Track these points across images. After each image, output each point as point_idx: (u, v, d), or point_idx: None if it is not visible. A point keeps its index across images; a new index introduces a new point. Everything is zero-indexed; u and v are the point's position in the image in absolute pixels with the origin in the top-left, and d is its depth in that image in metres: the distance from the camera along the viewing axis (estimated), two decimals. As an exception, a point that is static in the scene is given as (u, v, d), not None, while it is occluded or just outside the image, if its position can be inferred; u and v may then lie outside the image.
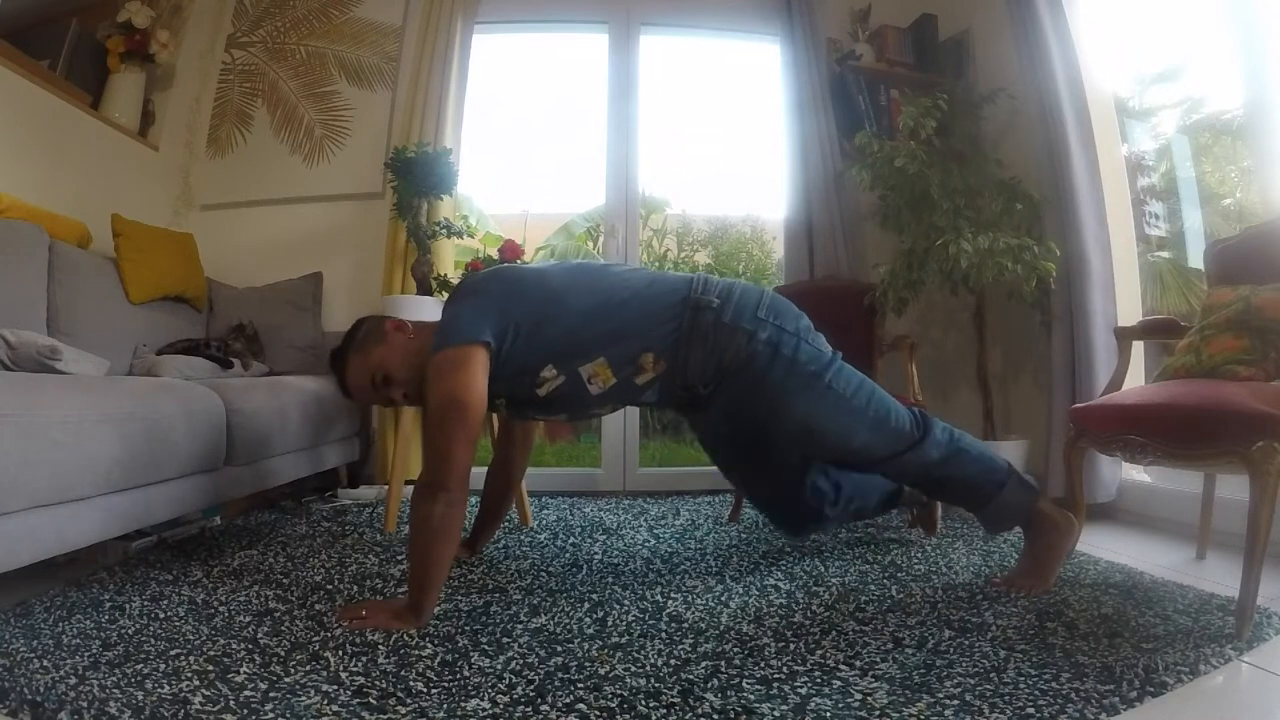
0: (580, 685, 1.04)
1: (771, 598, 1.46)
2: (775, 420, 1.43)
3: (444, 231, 2.66)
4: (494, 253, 2.64)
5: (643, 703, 0.98)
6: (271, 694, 0.99)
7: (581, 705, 0.97)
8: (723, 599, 1.45)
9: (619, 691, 1.02)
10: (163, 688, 1.00)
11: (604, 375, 1.41)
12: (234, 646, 1.16)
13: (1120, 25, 2.71)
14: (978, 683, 1.04)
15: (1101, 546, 1.91)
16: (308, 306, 2.81)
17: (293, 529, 2.06)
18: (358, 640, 1.19)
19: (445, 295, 2.56)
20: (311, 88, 3.13)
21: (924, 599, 1.45)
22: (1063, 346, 2.37)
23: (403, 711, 0.95)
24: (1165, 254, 4.27)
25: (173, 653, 1.13)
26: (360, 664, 1.10)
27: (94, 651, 1.13)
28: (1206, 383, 1.46)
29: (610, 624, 1.30)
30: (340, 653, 1.14)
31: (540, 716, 0.95)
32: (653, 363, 1.41)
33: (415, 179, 2.54)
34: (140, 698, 0.97)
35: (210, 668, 1.08)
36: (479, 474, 1.65)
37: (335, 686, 1.02)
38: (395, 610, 1.29)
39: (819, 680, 1.06)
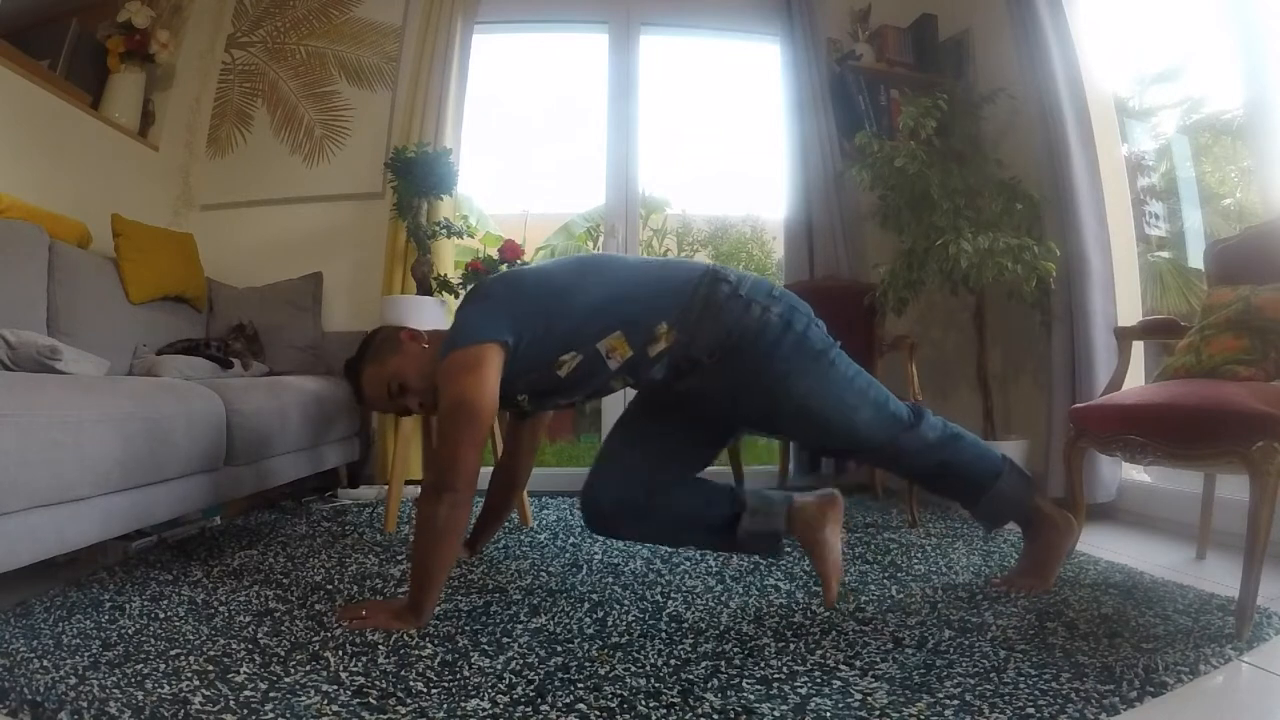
0: (580, 685, 1.04)
1: (771, 598, 1.46)
2: (778, 395, 1.42)
3: (444, 231, 2.65)
4: (494, 253, 2.64)
5: (643, 703, 0.98)
6: (271, 694, 0.99)
7: (581, 705, 0.97)
8: (723, 599, 1.45)
9: (619, 691, 1.02)
10: (163, 688, 1.00)
11: (621, 348, 1.40)
12: (234, 646, 1.16)
13: (1120, 25, 2.71)
14: (978, 683, 1.04)
15: (1101, 546, 1.91)
16: (308, 306, 2.81)
17: (293, 529, 2.06)
18: (358, 640, 1.19)
19: (445, 295, 2.56)
20: (311, 88, 3.13)
21: (924, 599, 1.45)
22: (1063, 346, 2.37)
23: (403, 711, 0.95)
24: (1165, 254, 4.27)
25: (173, 653, 1.13)
26: (360, 664, 1.10)
27: (94, 651, 1.13)
28: (1206, 383, 1.46)
29: (610, 624, 1.30)
30: (340, 653, 1.14)
31: (540, 716, 0.95)
32: (666, 332, 1.40)
33: (415, 179, 2.53)
34: (140, 698, 0.97)
35: (210, 668, 1.08)
36: (483, 473, 1.65)
37: (335, 686, 1.02)
38: (395, 610, 1.29)
39: (819, 680, 1.06)
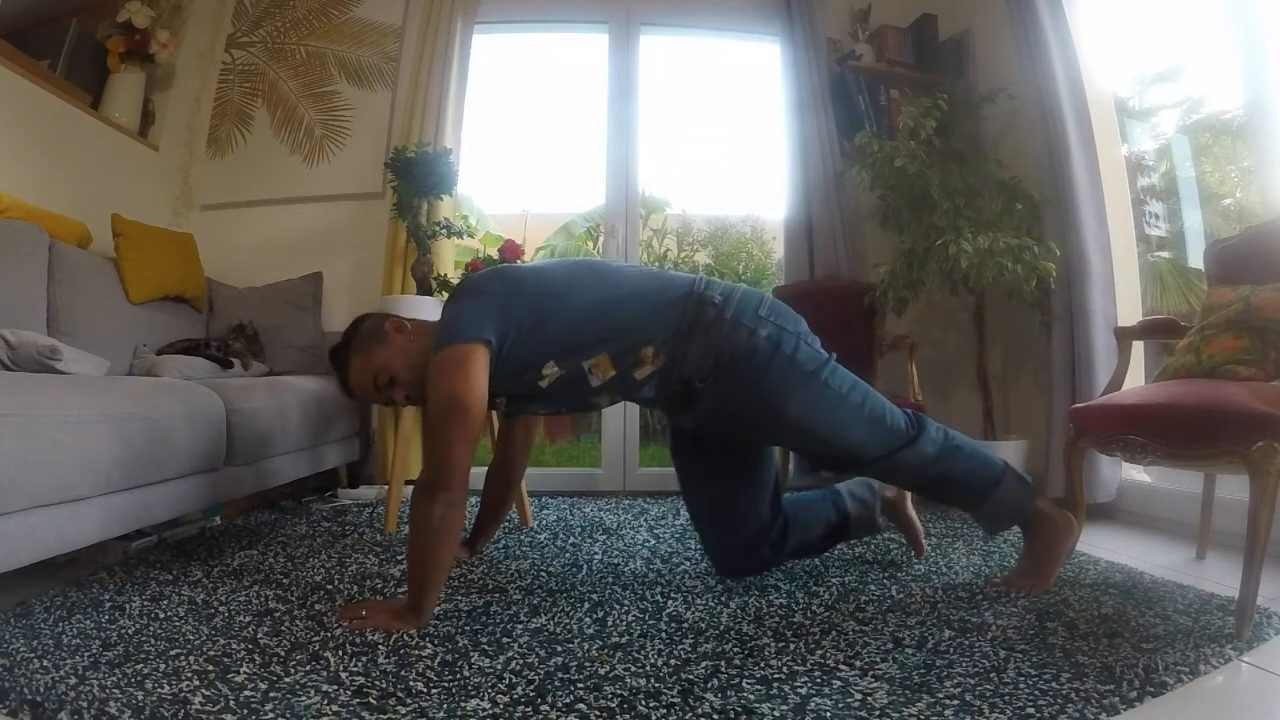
0: (580, 685, 1.04)
1: (771, 598, 1.46)
2: (771, 416, 1.43)
3: (444, 231, 2.66)
4: (494, 253, 2.64)
5: (643, 703, 0.98)
6: (271, 694, 0.99)
7: (581, 705, 0.97)
8: (723, 599, 1.45)
9: (619, 691, 1.02)
10: (163, 688, 1.00)
11: (604, 367, 1.41)
12: (234, 646, 1.16)
13: (1120, 25, 2.71)
14: (978, 683, 1.04)
15: (1101, 546, 1.91)
16: (308, 306, 2.81)
17: (293, 529, 2.06)
18: (358, 640, 1.19)
19: (445, 295, 2.56)
20: (311, 88, 3.13)
21: (924, 599, 1.45)
22: (1063, 346, 2.37)
23: (403, 711, 0.95)
24: (1165, 254, 4.27)
25: (173, 653, 1.13)
26: (360, 664, 1.10)
27: (94, 651, 1.13)
28: (1206, 383, 1.46)
29: (610, 624, 1.30)
30: (340, 653, 1.14)
31: (540, 716, 0.95)
32: (652, 356, 1.40)
33: (415, 179, 2.53)
34: (140, 698, 0.97)
35: (210, 668, 1.08)
36: (479, 474, 1.65)
37: (335, 686, 1.02)
38: (395, 610, 1.29)
39: (819, 680, 1.06)
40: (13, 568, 1.20)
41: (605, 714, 0.95)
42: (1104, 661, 1.11)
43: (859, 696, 1.00)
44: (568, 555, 1.82)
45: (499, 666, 1.10)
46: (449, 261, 2.90)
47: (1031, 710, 0.95)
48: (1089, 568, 1.68)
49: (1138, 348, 2.20)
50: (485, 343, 1.35)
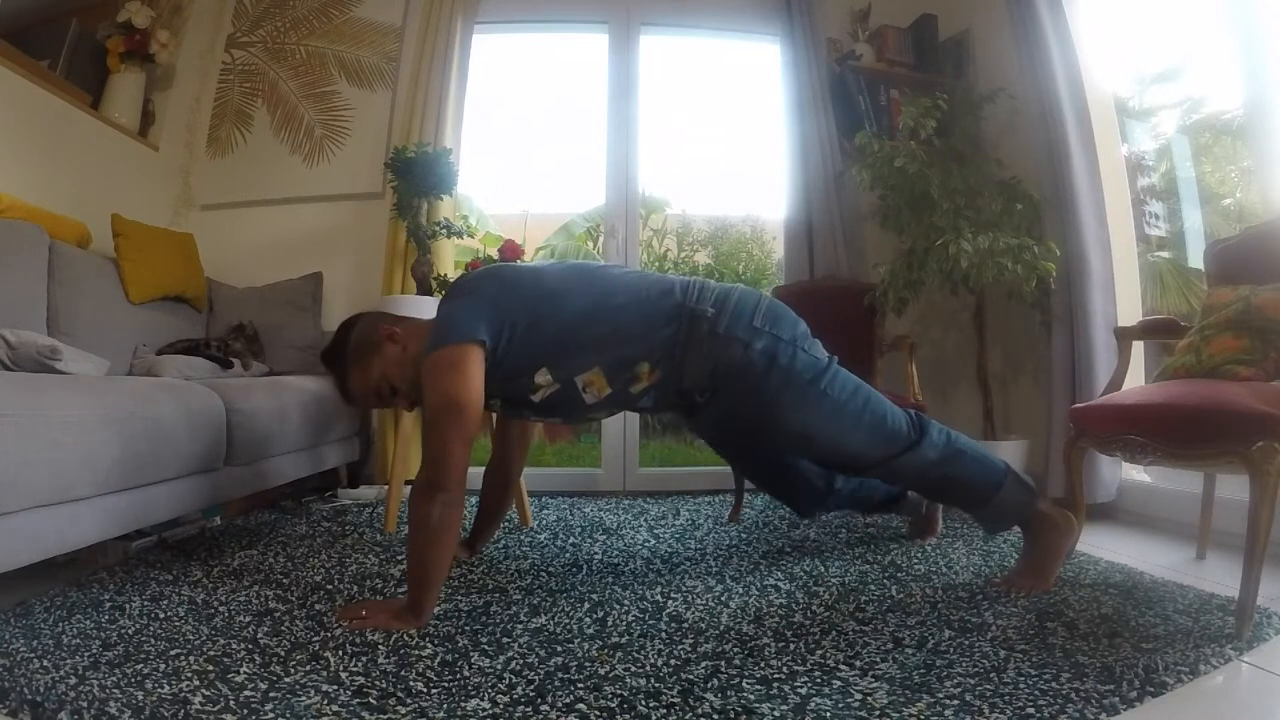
0: (580, 685, 1.04)
1: (771, 598, 1.46)
2: (772, 426, 1.44)
3: (444, 231, 2.66)
4: (494, 253, 2.64)
5: (643, 703, 0.98)
6: (271, 694, 0.99)
7: (581, 705, 0.97)
8: (723, 599, 1.45)
9: (619, 691, 1.02)
10: (163, 688, 1.00)
11: (599, 384, 1.41)
12: (234, 646, 1.16)
13: (1120, 25, 2.71)
14: (978, 683, 1.04)
15: (1101, 546, 1.91)
16: (308, 306, 2.81)
17: (293, 529, 2.06)
18: (358, 640, 1.19)
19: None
20: (311, 88, 3.13)
21: (924, 599, 1.45)
22: (1063, 346, 2.37)
23: (403, 711, 0.95)
24: (1165, 254, 4.27)
25: (173, 653, 1.13)
26: (360, 664, 1.10)
27: (94, 651, 1.13)
28: (1206, 383, 1.46)
29: (610, 624, 1.30)
30: (340, 653, 1.14)
31: (540, 716, 0.95)
32: (648, 373, 1.41)
33: (415, 179, 2.54)
34: (140, 698, 0.97)
35: (210, 668, 1.08)
36: (476, 473, 1.65)
37: (335, 686, 1.02)
38: (395, 610, 1.29)
39: (819, 680, 1.06)
40: (13, 568, 1.20)
41: (605, 714, 0.95)
42: (1104, 661, 1.11)
43: (859, 696, 1.00)
44: (568, 555, 1.82)
45: (499, 666, 1.10)
46: (449, 261, 2.90)
47: (1031, 710, 0.95)
48: (1089, 568, 1.68)
49: (1138, 348, 2.20)
50: (480, 343, 1.35)
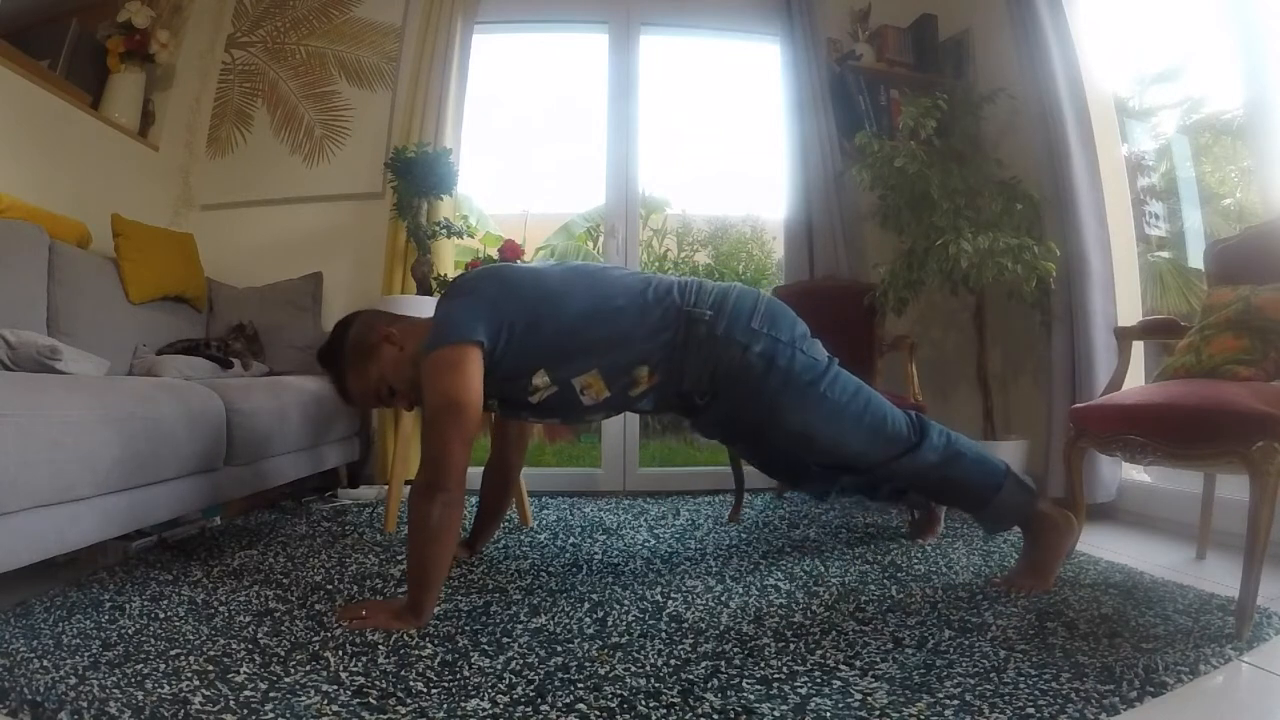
0: (580, 685, 1.04)
1: (771, 598, 1.46)
2: (772, 428, 1.44)
3: (444, 231, 2.66)
4: (494, 253, 2.64)
5: (643, 703, 0.98)
6: (271, 694, 0.99)
7: (581, 705, 0.97)
8: (723, 599, 1.45)
9: (619, 691, 1.02)
10: (163, 688, 1.00)
11: (597, 387, 1.40)
12: (234, 646, 1.16)
13: (1120, 25, 2.71)
14: (978, 683, 1.04)
15: (1101, 546, 1.91)
16: (308, 306, 2.81)
17: (293, 529, 2.06)
18: (358, 640, 1.19)
19: (445, 295, 2.56)
20: (311, 88, 3.13)
21: (924, 599, 1.45)
22: (1063, 346, 2.37)
23: (403, 711, 0.95)
24: (1165, 254, 4.27)
25: (173, 653, 1.13)
26: (360, 664, 1.10)
27: (94, 651, 1.13)
28: (1206, 383, 1.46)
29: (610, 624, 1.30)
30: (340, 653, 1.14)
31: (540, 716, 0.95)
32: (647, 376, 1.41)
33: (415, 179, 2.54)
34: (140, 698, 0.97)
35: (210, 668, 1.08)
36: (475, 473, 1.65)
37: (335, 686, 1.02)
38: (395, 610, 1.29)
39: (819, 680, 1.06)
40: (13, 568, 1.20)
41: (605, 714, 0.95)
42: (1104, 661, 1.11)
43: (859, 696, 1.00)
44: (568, 555, 1.82)
45: (499, 666, 1.10)
46: (449, 261, 2.90)
47: (1031, 710, 0.96)
48: (1089, 568, 1.68)
49: (1138, 348, 2.20)
50: (478, 343, 1.35)
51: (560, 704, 0.98)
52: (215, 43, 3.14)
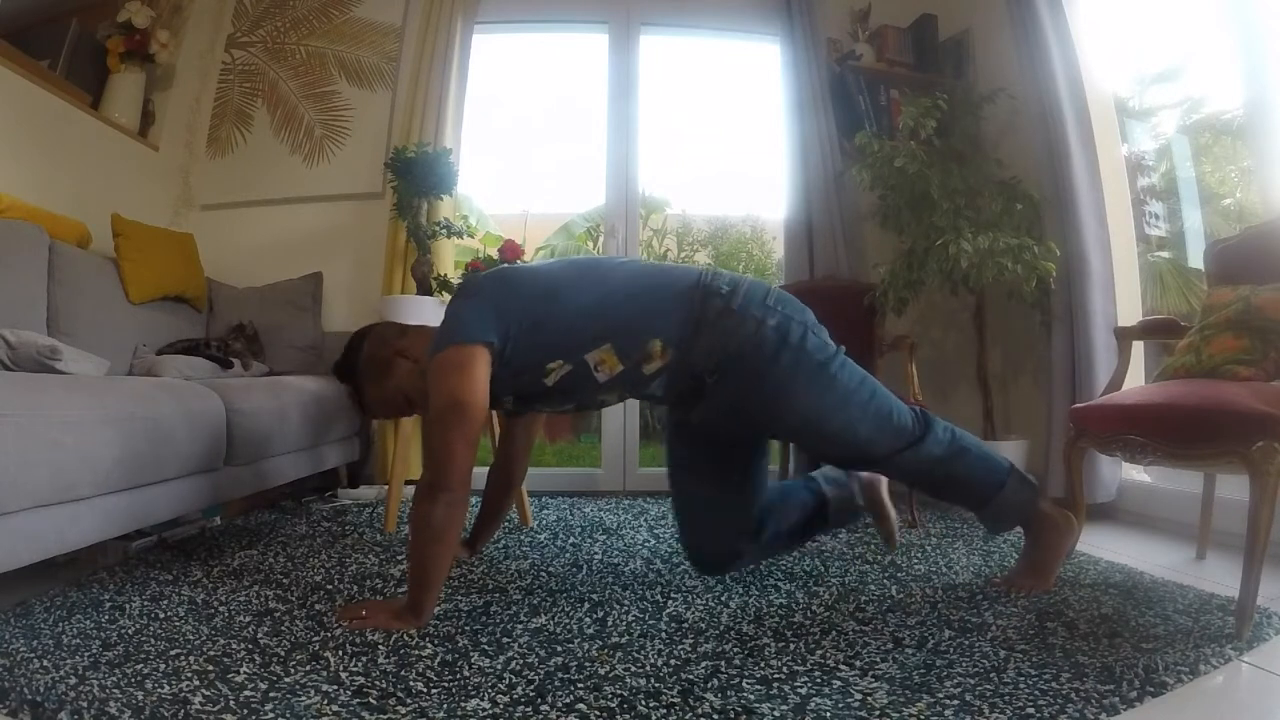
0: (580, 685, 1.04)
1: (771, 598, 1.46)
2: (779, 409, 1.42)
3: (444, 231, 2.66)
4: (494, 253, 2.64)
5: (643, 703, 0.98)
6: (271, 694, 0.99)
7: (581, 705, 0.97)
8: (723, 599, 1.45)
9: (619, 691, 1.02)
10: (163, 688, 1.00)
11: (610, 362, 1.40)
12: (234, 646, 1.16)
13: (1120, 25, 2.71)
14: (978, 683, 1.04)
15: (1101, 546, 1.91)
16: (308, 306, 2.81)
17: (293, 529, 2.06)
18: (358, 640, 1.19)
19: (446, 295, 2.56)
20: (311, 88, 3.13)
21: (924, 599, 1.45)
22: (1063, 346, 2.37)
23: (403, 711, 0.95)
24: (1165, 254, 4.27)
25: (173, 653, 1.13)
26: (360, 664, 1.10)
27: (94, 651, 1.13)
28: (1206, 383, 1.46)
29: (610, 624, 1.30)
30: (340, 653, 1.14)
31: (540, 716, 0.95)
32: (660, 350, 1.39)
33: (415, 179, 2.53)
34: (140, 698, 0.97)
35: (210, 668, 1.08)
36: (479, 474, 1.65)
37: (335, 686, 1.02)
38: (395, 610, 1.29)
39: (819, 680, 1.06)
40: (13, 568, 1.20)
41: (605, 714, 0.95)
42: (1104, 661, 1.11)
43: (859, 696, 1.00)
44: (568, 555, 1.82)
45: (499, 666, 1.10)
46: (449, 261, 2.90)
47: (1031, 710, 0.95)
48: (1089, 568, 1.68)
49: (1138, 348, 2.20)
50: (485, 344, 1.35)
51: (560, 704, 0.98)
52: (215, 43, 3.14)
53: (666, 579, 1.60)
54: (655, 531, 2.10)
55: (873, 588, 1.53)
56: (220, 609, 1.35)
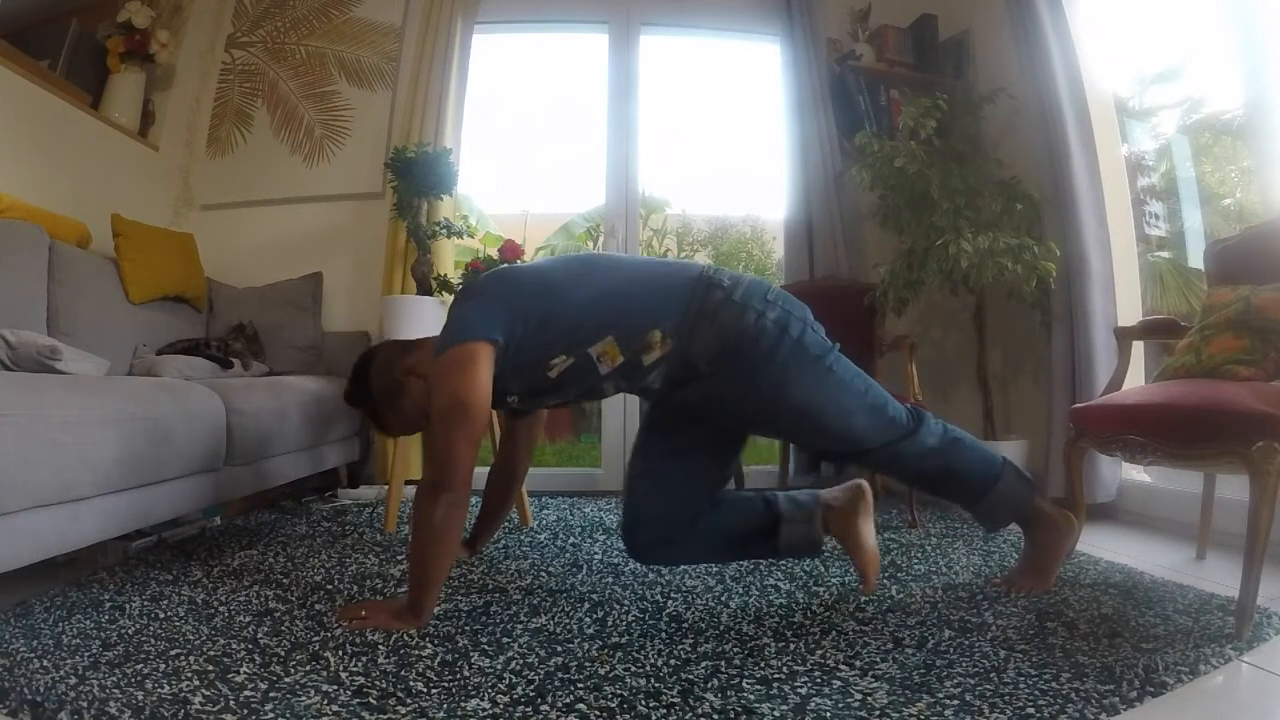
0: (580, 685, 1.04)
1: (771, 598, 1.46)
2: (775, 400, 1.42)
3: (444, 231, 2.65)
4: (494, 253, 2.64)
5: (643, 703, 0.98)
6: (271, 694, 0.99)
7: (581, 705, 0.97)
8: (723, 599, 1.45)
9: (619, 691, 1.02)
10: (163, 688, 1.00)
11: (612, 354, 1.40)
12: (234, 646, 1.16)
13: (1120, 25, 2.71)
14: (978, 683, 1.04)
15: (1101, 546, 1.91)
16: (308, 306, 2.81)
17: (293, 529, 2.06)
18: (358, 640, 1.19)
19: (445, 295, 2.56)
20: (311, 88, 3.13)
21: (924, 599, 1.45)
22: (1063, 346, 2.37)
23: (403, 711, 0.95)
24: (1165, 254, 4.27)
25: (173, 653, 1.13)
26: (360, 664, 1.10)
27: (94, 651, 1.13)
28: (1206, 383, 1.46)
29: (610, 624, 1.30)
30: (340, 653, 1.14)
31: (540, 716, 0.95)
32: (660, 340, 1.39)
33: (415, 179, 2.53)
34: (140, 698, 0.97)
35: (210, 668, 1.08)
36: (480, 474, 1.65)
37: (335, 686, 1.02)
38: (395, 610, 1.29)
39: (819, 680, 1.06)
40: (13, 568, 1.20)
41: (605, 714, 0.95)
42: (1104, 661, 1.11)
43: (859, 696, 1.00)
44: (568, 555, 1.82)
45: (499, 666, 1.10)
46: (449, 261, 2.90)
47: (1031, 710, 0.95)
48: (1089, 568, 1.68)
49: (1138, 348, 2.20)
50: (490, 342, 1.35)
51: (560, 704, 0.98)
52: (215, 43, 3.14)
53: (666, 579, 1.60)
54: (655, 531, 2.10)
55: (873, 588, 1.53)
56: (220, 609, 1.35)
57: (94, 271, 2.24)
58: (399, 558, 1.75)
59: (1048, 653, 1.15)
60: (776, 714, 0.95)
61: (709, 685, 1.04)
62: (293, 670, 1.07)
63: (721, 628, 1.29)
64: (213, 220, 3.02)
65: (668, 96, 4.75)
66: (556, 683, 1.05)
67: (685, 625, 1.30)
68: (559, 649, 1.18)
